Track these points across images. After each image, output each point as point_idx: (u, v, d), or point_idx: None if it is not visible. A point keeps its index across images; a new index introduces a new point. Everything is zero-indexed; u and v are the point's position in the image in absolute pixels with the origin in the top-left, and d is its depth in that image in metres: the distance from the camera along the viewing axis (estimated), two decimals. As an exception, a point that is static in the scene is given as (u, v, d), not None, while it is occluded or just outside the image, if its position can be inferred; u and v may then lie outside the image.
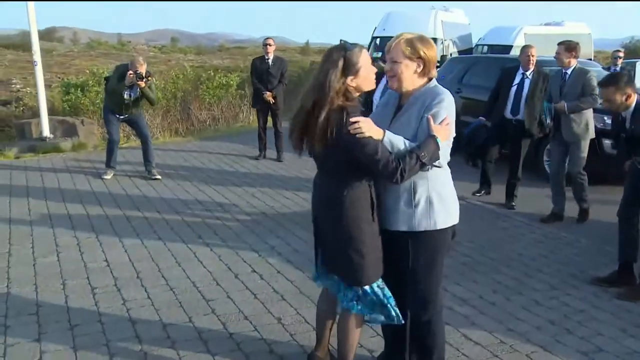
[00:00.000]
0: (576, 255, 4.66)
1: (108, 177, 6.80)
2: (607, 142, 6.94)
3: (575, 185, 5.56)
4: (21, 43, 29.01)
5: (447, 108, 2.39)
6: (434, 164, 2.36)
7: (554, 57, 5.64)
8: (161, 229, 5.03)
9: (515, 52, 14.58)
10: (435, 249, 2.53)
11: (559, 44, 5.56)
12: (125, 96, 6.53)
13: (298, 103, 2.41)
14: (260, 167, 7.73)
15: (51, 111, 12.14)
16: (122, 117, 6.79)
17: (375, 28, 15.76)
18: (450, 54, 14.56)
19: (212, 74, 13.94)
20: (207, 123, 12.44)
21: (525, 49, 5.96)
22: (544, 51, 14.45)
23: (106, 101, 6.96)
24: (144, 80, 6.48)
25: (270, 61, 7.83)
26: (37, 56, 9.22)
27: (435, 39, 14.56)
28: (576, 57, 5.44)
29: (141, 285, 3.83)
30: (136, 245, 4.60)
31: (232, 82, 13.37)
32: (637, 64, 11.70)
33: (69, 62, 23.69)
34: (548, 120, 5.65)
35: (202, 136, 10.71)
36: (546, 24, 18.15)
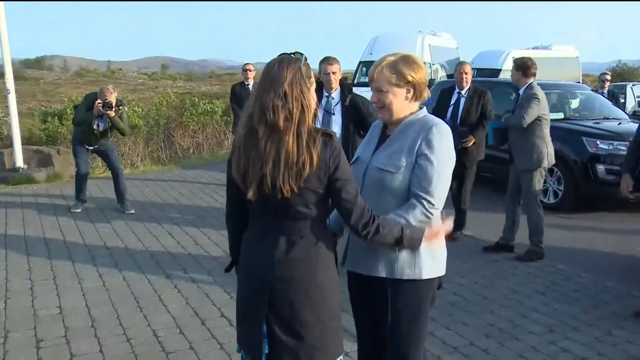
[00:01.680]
0: (575, 292, 4.31)
1: (77, 210, 6.42)
2: (600, 168, 6.68)
3: (528, 219, 5.08)
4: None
5: (439, 150, 2.07)
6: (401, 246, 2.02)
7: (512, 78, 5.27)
8: (127, 267, 4.64)
9: (504, 76, 14.46)
10: (419, 302, 2.17)
11: (514, 61, 5.24)
12: (94, 126, 6.19)
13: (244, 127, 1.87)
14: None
15: (29, 140, 11.80)
16: (91, 147, 6.43)
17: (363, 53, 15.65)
18: (440, 78, 14.40)
19: (197, 100, 13.71)
20: (191, 150, 12.14)
21: (458, 66, 5.62)
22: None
23: (75, 132, 6.62)
24: (114, 109, 6.15)
25: (250, 87, 7.55)
26: (9, 84, 8.90)
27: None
28: (530, 75, 4.99)
29: (95, 335, 3.43)
30: (96, 287, 4.21)
31: (217, 109, 13.13)
32: (628, 87, 11.57)
33: (54, 90, 23.44)
34: (491, 142, 5.53)
35: (185, 164, 10.39)
36: (534, 48, 18.10)
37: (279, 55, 1.87)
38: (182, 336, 3.45)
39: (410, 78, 2.11)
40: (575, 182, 6.76)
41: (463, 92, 5.48)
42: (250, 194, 1.83)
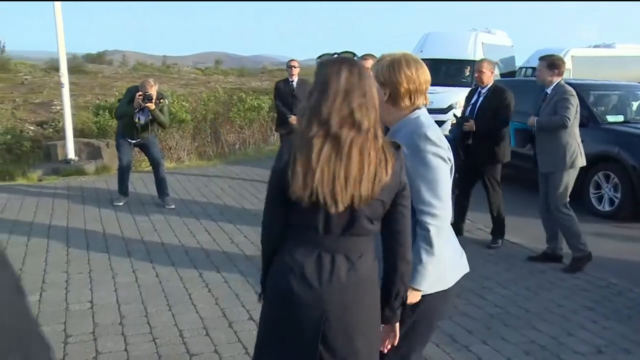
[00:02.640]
0: (628, 309, 4.00)
1: (120, 203, 6.51)
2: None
3: (558, 224, 4.84)
4: (69, 66, 29.88)
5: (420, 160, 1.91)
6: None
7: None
8: (160, 263, 4.65)
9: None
10: (414, 318, 2.00)
11: (540, 59, 4.93)
12: (136, 120, 6.25)
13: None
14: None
15: (82, 133, 12.16)
16: (134, 141, 6.50)
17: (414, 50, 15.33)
18: (492, 77, 13.92)
19: (244, 96, 13.75)
20: (237, 146, 12.18)
21: (476, 64, 5.61)
22: (594, 74, 13.71)
23: (118, 125, 6.72)
24: (154, 102, 6.18)
25: (294, 84, 7.44)
26: (64, 78, 9.17)
27: (475, 62, 13.95)
28: (559, 74, 4.76)
29: (121, 333, 3.42)
30: (129, 283, 4.22)
31: (263, 105, 13.11)
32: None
33: (111, 84, 24.11)
34: (513, 144, 5.26)
35: (230, 160, 10.43)
36: (595, 46, 17.26)
37: (338, 56, 1.79)
38: (208, 338, 3.39)
39: (382, 79, 1.96)
40: (634, 189, 6.33)
41: (483, 90, 5.30)
42: (316, 205, 1.65)
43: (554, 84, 4.76)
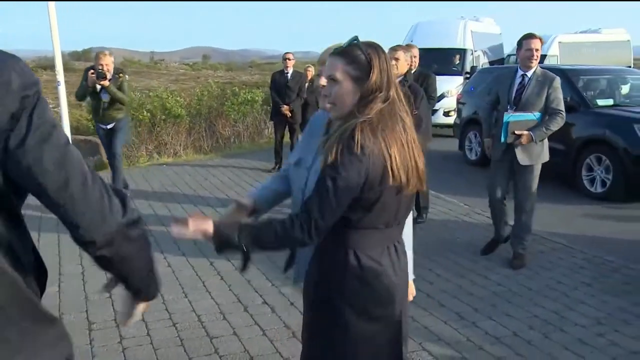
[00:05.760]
0: (625, 284, 4.18)
1: None
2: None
3: (530, 216, 4.56)
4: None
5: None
6: None
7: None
8: (171, 253, 4.76)
9: (549, 62, 14.03)
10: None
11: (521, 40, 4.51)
12: (102, 98, 5.91)
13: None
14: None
15: (77, 130, 12.17)
16: (104, 126, 6.16)
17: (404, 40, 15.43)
18: (481, 65, 14.08)
19: (237, 90, 13.82)
20: (232, 139, 12.29)
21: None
22: (580, 60, 13.92)
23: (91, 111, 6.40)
24: (108, 79, 5.77)
25: (289, 75, 7.74)
26: (60, 76, 9.18)
27: (464, 50, 14.10)
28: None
29: (142, 319, 3.54)
30: (143, 273, 4.33)
31: (257, 98, 13.20)
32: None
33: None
34: (504, 139, 4.40)
35: (226, 153, 10.53)
36: (582, 32, 17.48)
37: (357, 42, 1.67)
38: (226, 322, 3.53)
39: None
40: (625, 170, 6.53)
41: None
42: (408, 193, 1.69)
43: (533, 69, 4.42)
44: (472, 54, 14.30)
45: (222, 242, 1.63)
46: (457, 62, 13.91)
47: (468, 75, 12.53)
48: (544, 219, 5.28)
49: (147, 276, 1.30)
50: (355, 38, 1.67)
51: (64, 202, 1.08)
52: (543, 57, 14.55)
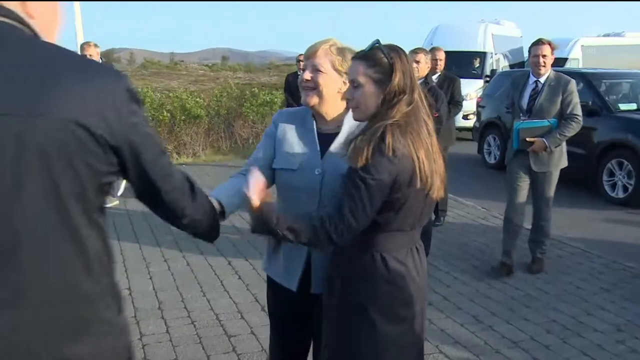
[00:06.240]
0: (645, 290, 4.14)
1: (110, 204, 6.57)
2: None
3: (548, 222, 4.50)
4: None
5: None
6: None
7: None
8: (190, 252, 4.82)
9: (570, 65, 13.88)
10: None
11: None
12: None
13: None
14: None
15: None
16: None
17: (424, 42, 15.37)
18: (502, 68, 13.98)
19: (257, 91, 13.89)
20: (250, 140, 12.35)
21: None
22: (603, 63, 13.73)
23: None
24: None
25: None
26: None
27: (485, 53, 14.01)
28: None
29: (162, 317, 3.60)
30: (162, 272, 4.40)
31: (276, 100, 13.25)
32: None
33: (122, 82, 24.45)
34: (516, 146, 4.33)
35: (244, 154, 10.60)
36: (605, 35, 17.26)
37: (379, 45, 1.67)
38: (243, 321, 3.57)
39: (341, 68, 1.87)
40: (647, 176, 6.44)
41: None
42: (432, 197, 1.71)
43: (546, 74, 4.30)
44: (492, 57, 14.21)
45: (262, 224, 1.66)
46: (477, 65, 13.83)
47: (488, 79, 12.45)
48: (563, 224, 5.24)
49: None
50: (377, 41, 1.69)
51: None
52: (564, 60, 14.43)
